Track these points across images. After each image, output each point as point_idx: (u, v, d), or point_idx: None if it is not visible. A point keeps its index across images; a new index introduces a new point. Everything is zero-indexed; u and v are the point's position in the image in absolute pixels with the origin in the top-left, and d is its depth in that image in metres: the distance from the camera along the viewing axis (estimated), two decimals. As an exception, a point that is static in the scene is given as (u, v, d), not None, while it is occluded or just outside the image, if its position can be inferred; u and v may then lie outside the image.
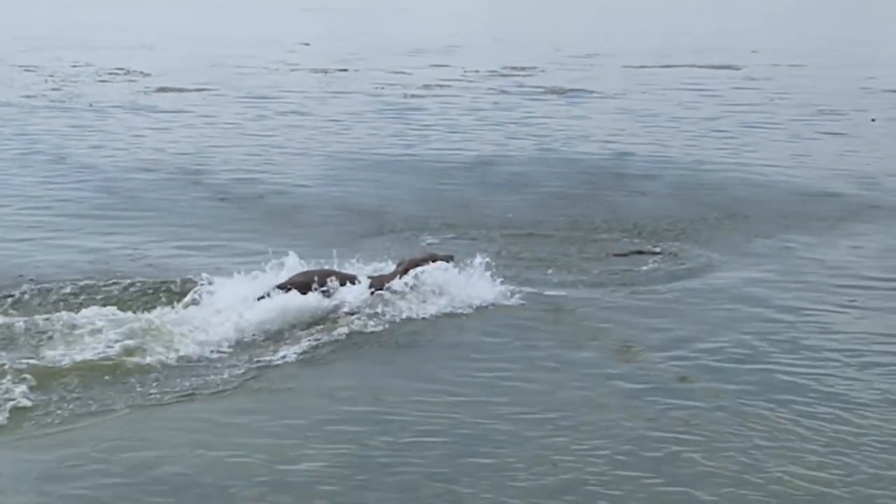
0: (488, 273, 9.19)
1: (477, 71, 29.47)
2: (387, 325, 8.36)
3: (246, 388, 7.16)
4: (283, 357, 7.70)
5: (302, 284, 8.68)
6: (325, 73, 29.28)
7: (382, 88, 25.31)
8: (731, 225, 11.79)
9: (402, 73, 29.08)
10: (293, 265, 9.04)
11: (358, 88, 25.47)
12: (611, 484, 5.91)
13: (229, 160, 15.79)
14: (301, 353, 7.77)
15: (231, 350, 7.81)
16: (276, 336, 8.08)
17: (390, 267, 9.37)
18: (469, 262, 9.34)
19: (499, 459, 6.18)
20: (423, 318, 8.56)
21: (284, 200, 13.14)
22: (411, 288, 8.95)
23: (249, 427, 6.57)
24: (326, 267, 9.12)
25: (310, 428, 6.58)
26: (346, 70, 30.01)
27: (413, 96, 23.88)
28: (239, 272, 8.93)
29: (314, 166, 15.46)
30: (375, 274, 9.27)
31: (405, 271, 9.14)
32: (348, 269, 9.19)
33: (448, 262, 9.35)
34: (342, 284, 8.79)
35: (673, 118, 20.55)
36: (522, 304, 8.85)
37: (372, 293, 8.82)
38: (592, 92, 24.79)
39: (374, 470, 6.05)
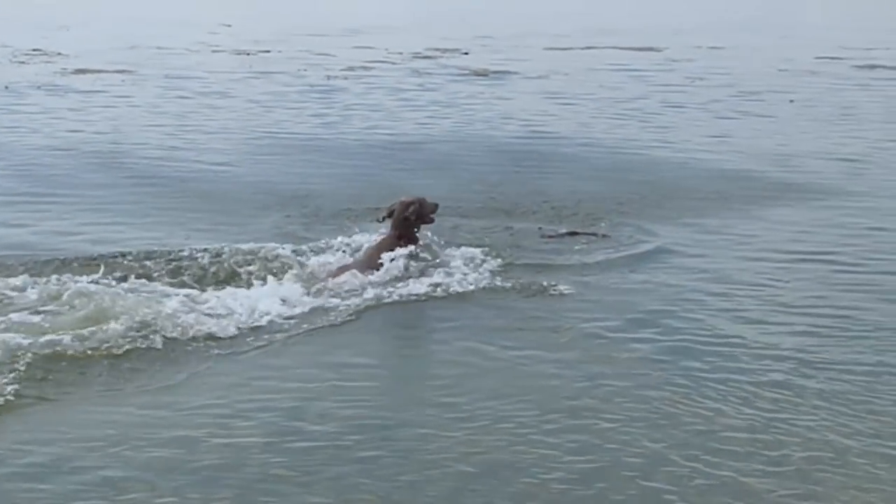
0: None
1: (400, 52, 29.37)
2: (330, 316, 8.12)
3: (169, 382, 6.93)
4: (218, 351, 7.41)
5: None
6: (248, 54, 28.99)
7: (305, 70, 25.12)
8: (658, 205, 11.82)
9: (325, 54, 28.90)
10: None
11: (280, 70, 25.25)
12: (532, 465, 5.85)
13: (149, 141, 15.54)
14: (236, 347, 7.48)
15: (165, 342, 7.46)
16: (213, 330, 7.71)
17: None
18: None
19: (420, 443, 6.10)
20: (360, 308, 8.27)
21: (204, 182, 12.94)
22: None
23: (169, 420, 6.39)
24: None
25: (231, 417, 6.41)
26: (268, 51, 29.75)
27: (336, 78, 23.72)
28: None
29: (235, 148, 15.26)
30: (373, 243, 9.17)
31: (400, 220, 9.01)
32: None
33: (434, 210, 9.27)
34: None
35: (596, 100, 20.67)
36: (452, 288, 8.72)
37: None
38: (516, 74, 24.85)
39: (292, 457, 5.93)
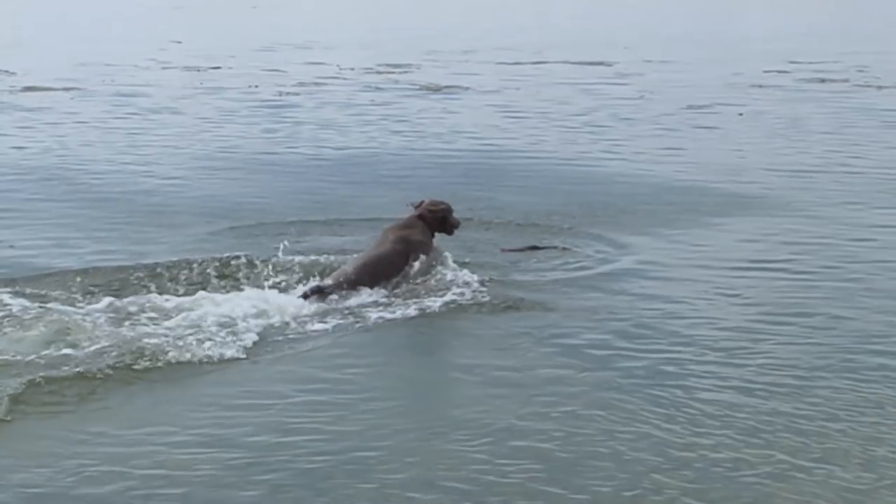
0: None
1: (352, 68, 29.30)
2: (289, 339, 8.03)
3: (109, 399, 6.85)
4: (162, 363, 7.32)
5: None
6: (198, 70, 28.79)
7: (257, 86, 24.98)
8: (613, 218, 11.80)
9: (277, 70, 28.76)
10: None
11: (232, 86, 25.09)
12: (471, 477, 5.84)
13: (97, 158, 15.40)
14: (178, 362, 7.39)
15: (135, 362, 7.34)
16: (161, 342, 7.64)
17: None
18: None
19: (367, 455, 6.08)
20: (331, 330, 8.17)
21: (153, 199, 12.82)
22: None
23: (112, 437, 6.31)
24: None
25: (176, 434, 6.35)
26: (218, 67, 29.56)
27: (288, 94, 23.62)
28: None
29: (185, 164, 15.13)
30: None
31: (427, 209, 9.39)
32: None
33: (456, 225, 9.65)
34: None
35: (548, 114, 20.69)
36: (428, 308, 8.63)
37: None
38: (468, 88, 24.83)
39: (241, 471, 5.88)
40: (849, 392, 7.04)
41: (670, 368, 7.39)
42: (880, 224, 11.74)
